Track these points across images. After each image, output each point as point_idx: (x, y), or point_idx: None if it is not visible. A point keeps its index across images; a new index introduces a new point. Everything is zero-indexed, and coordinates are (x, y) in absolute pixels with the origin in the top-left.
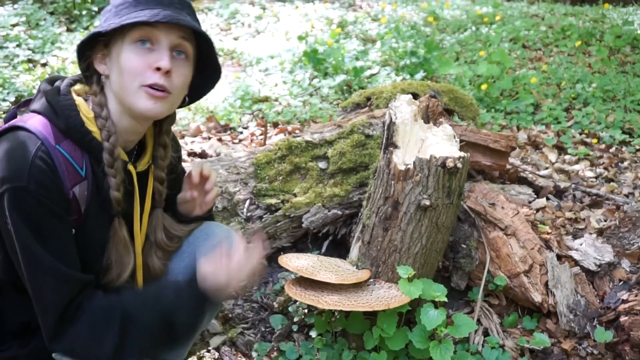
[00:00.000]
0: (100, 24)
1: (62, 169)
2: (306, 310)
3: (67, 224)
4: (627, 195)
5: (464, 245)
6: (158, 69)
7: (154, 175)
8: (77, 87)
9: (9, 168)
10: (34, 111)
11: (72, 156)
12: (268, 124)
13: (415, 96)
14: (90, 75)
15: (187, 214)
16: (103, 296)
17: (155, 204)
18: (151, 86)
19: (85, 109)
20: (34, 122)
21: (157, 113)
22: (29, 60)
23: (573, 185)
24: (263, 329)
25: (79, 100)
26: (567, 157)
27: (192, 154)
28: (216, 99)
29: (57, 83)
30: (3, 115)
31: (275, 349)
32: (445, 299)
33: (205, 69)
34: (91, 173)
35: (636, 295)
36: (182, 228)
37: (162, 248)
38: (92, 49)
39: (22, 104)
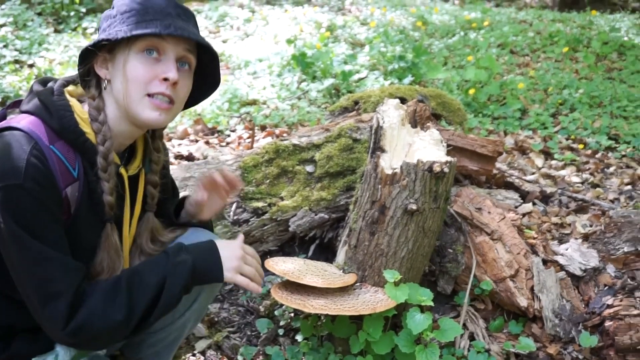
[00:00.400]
0: (103, 28)
1: (55, 169)
2: (292, 314)
3: (61, 223)
4: (612, 201)
5: (450, 250)
6: (165, 79)
7: (148, 179)
8: (70, 88)
9: (2, 167)
10: (26, 112)
11: (65, 157)
12: (256, 127)
13: (403, 100)
14: (89, 79)
15: (193, 215)
16: (106, 278)
17: (147, 208)
18: (156, 95)
19: (80, 110)
20: (27, 122)
21: (160, 123)
22: (16, 61)
23: (559, 191)
24: (249, 333)
25: (72, 101)
26: (553, 162)
27: (179, 156)
28: (204, 102)
29: (50, 84)
30: None
31: (261, 353)
32: (432, 303)
33: (204, 80)
34: (83, 174)
35: (621, 301)
36: (167, 234)
37: (147, 253)
38: (93, 53)
39: (10, 105)
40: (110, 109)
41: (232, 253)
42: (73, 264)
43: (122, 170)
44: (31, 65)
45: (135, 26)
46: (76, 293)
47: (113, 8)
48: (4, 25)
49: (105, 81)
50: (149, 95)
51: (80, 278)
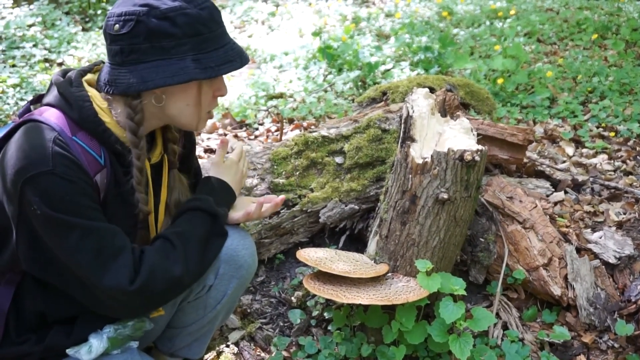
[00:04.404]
0: (164, 47)
1: (82, 158)
2: (324, 305)
3: (98, 202)
4: None
5: (482, 239)
6: (218, 95)
7: (166, 137)
8: (88, 77)
9: (28, 157)
10: (47, 104)
11: (89, 146)
12: (283, 120)
13: (432, 90)
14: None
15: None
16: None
17: (171, 166)
18: (211, 110)
19: (99, 100)
20: (49, 114)
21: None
22: (46, 60)
23: (591, 179)
24: (282, 324)
25: (92, 91)
26: (584, 150)
27: (208, 150)
28: (231, 95)
29: (68, 75)
30: None
31: (294, 343)
32: (464, 293)
33: None
34: (109, 162)
35: None
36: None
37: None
38: None
39: (35, 100)
40: (149, 115)
41: (233, 178)
42: (118, 229)
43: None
44: (60, 64)
45: (213, 56)
46: (133, 252)
47: (171, 23)
48: (33, 25)
49: (163, 96)
50: (207, 112)
51: (128, 239)
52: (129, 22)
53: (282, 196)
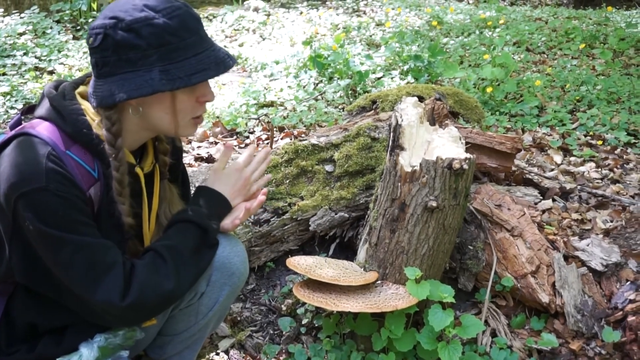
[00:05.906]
0: (130, 60)
1: (75, 172)
2: (314, 313)
3: (91, 217)
4: (632, 196)
5: (470, 247)
6: (206, 101)
7: (158, 148)
8: (81, 89)
9: (21, 173)
10: (40, 117)
11: (82, 159)
12: (274, 128)
13: (421, 99)
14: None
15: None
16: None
17: (162, 176)
18: (199, 116)
19: (93, 112)
20: (42, 128)
21: (195, 132)
22: (36, 68)
23: (579, 187)
24: (271, 332)
25: (85, 104)
26: (572, 158)
27: (199, 158)
28: (222, 104)
29: (60, 87)
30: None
31: (284, 351)
32: (453, 300)
33: None
34: (102, 175)
35: None
36: (181, 206)
37: (164, 223)
38: None
39: (26, 111)
40: (131, 126)
41: (232, 187)
42: (110, 243)
43: (138, 170)
44: (51, 72)
45: (183, 66)
46: (124, 266)
47: (136, 35)
48: (24, 33)
49: (139, 108)
50: (193, 118)
51: (121, 253)
52: (99, 35)
53: (264, 189)
